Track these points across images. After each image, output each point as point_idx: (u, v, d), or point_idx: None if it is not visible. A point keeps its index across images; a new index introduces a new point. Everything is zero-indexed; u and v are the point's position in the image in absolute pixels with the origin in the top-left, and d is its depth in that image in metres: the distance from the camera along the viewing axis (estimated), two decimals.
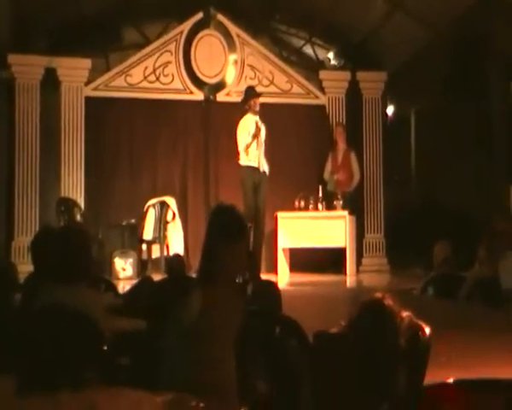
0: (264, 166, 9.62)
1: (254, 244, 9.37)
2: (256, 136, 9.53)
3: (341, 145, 11.48)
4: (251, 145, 9.52)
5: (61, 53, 11.06)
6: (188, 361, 3.12)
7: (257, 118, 9.63)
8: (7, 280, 4.44)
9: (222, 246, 3.14)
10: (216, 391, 3.00)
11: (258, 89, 11.62)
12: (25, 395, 2.34)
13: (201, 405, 1.61)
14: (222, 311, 3.14)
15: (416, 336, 2.21)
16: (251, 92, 9.99)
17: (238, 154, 9.67)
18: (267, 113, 11.41)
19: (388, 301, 2.20)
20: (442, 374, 2.01)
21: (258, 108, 9.71)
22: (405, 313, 2.21)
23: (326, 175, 11.38)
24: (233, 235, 3.16)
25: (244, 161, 9.59)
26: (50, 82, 10.91)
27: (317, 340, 2.43)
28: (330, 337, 2.26)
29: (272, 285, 4.50)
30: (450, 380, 1.81)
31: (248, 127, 9.59)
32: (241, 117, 9.77)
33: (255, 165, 9.56)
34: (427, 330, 2.24)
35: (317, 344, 2.40)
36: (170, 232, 10.88)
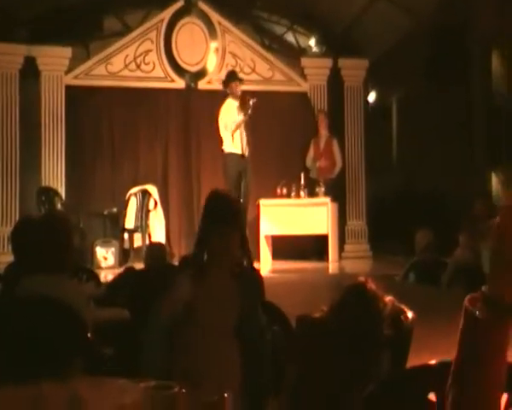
0: (247, 152, 9.64)
1: None
2: (239, 124, 9.60)
3: (323, 132, 11.48)
4: (235, 132, 9.57)
5: (41, 42, 11.01)
6: (174, 349, 3.12)
7: (237, 103, 9.70)
8: None
9: (214, 232, 3.10)
10: (211, 378, 3.00)
11: (240, 76, 11.65)
12: (6, 385, 2.33)
13: (183, 390, 1.62)
14: (215, 298, 3.12)
15: (399, 320, 2.22)
16: (231, 76, 10.07)
17: (221, 140, 9.68)
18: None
19: (371, 285, 2.20)
20: (425, 357, 2.02)
21: (239, 93, 9.76)
22: (388, 298, 2.22)
23: (308, 162, 11.39)
24: (226, 220, 3.12)
25: (228, 147, 9.60)
26: (30, 71, 10.86)
27: (300, 325, 2.43)
28: (312, 322, 2.26)
29: (255, 272, 4.49)
30: (433, 362, 1.82)
31: (230, 112, 9.64)
32: (222, 102, 9.78)
33: (239, 152, 9.56)
34: (410, 314, 2.25)
35: (300, 329, 2.41)
36: (152, 221, 10.86)
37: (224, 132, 9.64)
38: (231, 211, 3.23)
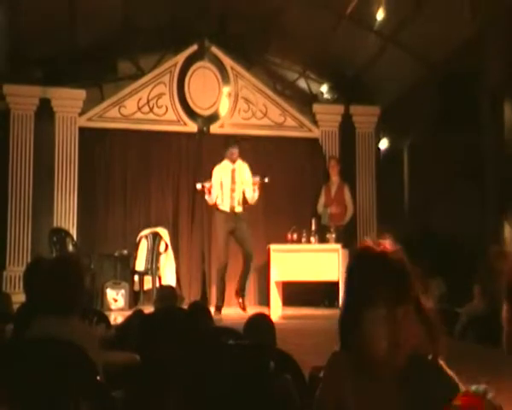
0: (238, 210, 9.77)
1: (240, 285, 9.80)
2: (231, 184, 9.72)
3: (335, 178, 11.48)
4: (223, 193, 9.68)
5: (56, 83, 11.11)
6: None
7: (234, 166, 9.78)
8: None
9: (371, 311, 2.03)
10: None
11: (252, 121, 11.74)
12: None
13: None
14: None
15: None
16: (228, 141, 10.15)
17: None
18: (260, 145, 11.50)
19: None
20: None
21: (235, 157, 9.83)
22: None
23: (320, 208, 11.37)
24: (391, 294, 2.04)
25: (218, 205, 9.75)
26: (45, 112, 10.94)
27: (313, 381, 2.38)
28: None
29: (266, 318, 4.46)
30: None
31: (220, 175, 9.76)
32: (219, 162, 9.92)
33: (227, 210, 9.67)
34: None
35: (313, 386, 2.36)
36: (162, 264, 10.85)
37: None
38: (394, 276, 2.09)
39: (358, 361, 2.07)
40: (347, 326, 2.09)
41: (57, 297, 3.62)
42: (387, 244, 2.14)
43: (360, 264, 2.12)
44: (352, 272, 2.13)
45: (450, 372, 2.06)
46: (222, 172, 9.77)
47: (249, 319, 4.42)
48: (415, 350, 2.06)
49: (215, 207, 9.75)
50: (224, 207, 9.67)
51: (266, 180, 9.94)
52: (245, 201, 9.78)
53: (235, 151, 9.84)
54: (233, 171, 9.75)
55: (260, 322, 4.40)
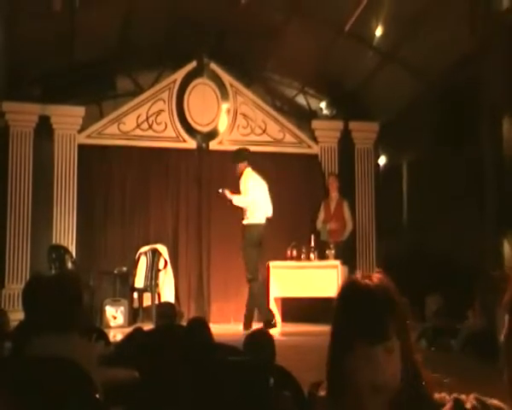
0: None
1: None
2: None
3: (334, 195, 11.49)
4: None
5: (55, 101, 11.14)
6: None
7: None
8: None
9: (350, 352, 1.90)
10: None
11: (251, 138, 11.78)
12: None
13: None
14: None
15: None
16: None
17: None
18: (260, 162, 11.49)
19: None
20: None
21: (237, 174, 10.11)
22: None
23: (319, 225, 11.38)
24: (373, 330, 1.89)
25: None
26: (44, 130, 10.96)
27: (312, 399, 2.37)
28: (326, 399, 2.23)
29: (266, 335, 4.47)
30: None
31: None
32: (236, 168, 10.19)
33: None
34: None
35: (313, 404, 2.35)
36: (161, 280, 10.85)
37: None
38: (378, 311, 1.93)
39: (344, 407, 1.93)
40: (332, 369, 1.96)
41: (57, 314, 3.62)
42: (375, 277, 1.97)
43: (341, 301, 1.98)
44: (335, 309, 2.00)
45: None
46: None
47: (249, 335, 4.43)
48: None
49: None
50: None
51: (220, 191, 10.13)
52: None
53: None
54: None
55: (260, 338, 4.41)
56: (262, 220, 9.93)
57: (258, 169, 11.31)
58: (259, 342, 4.32)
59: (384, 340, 1.88)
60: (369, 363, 1.86)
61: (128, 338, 5.32)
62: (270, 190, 11.17)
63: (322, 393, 2.18)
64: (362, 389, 1.88)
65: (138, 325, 7.76)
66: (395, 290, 2.02)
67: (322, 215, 11.41)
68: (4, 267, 10.56)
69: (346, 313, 1.95)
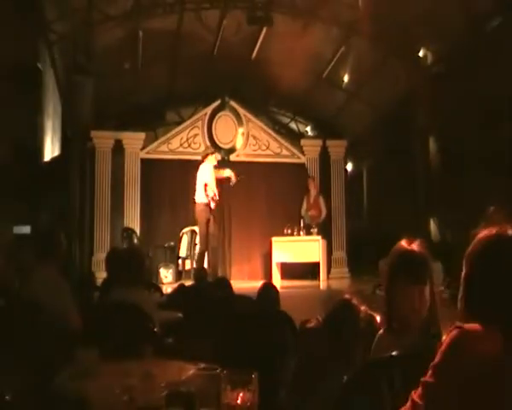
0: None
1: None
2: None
3: (313, 191, 11.41)
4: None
5: (125, 128, 11.16)
6: None
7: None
8: (89, 284, 4.46)
9: (399, 287, 2.06)
10: None
11: (258, 152, 11.74)
12: (105, 361, 2.35)
13: (224, 372, 1.59)
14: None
15: (371, 323, 2.23)
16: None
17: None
18: (265, 170, 11.48)
19: (354, 300, 2.22)
20: None
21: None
22: (363, 307, 2.24)
23: (302, 212, 11.30)
24: (411, 275, 2.04)
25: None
26: (118, 149, 10.94)
27: (302, 331, 2.41)
28: (311, 330, 2.26)
29: (273, 287, 4.46)
30: (394, 353, 1.81)
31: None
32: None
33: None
34: (378, 318, 2.25)
35: (302, 334, 2.39)
36: (197, 251, 10.82)
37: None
38: (415, 264, 2.06)
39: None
40: (388, 302, 2.10)
41: (127, 274, 3.64)
42: (415, 244, 2.09)
43: (394, 258, 2.13)
44: (389, 263, 2.15)
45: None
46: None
47: (260, 288, 4.42)
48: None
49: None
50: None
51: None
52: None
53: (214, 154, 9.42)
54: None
55: (269, 290, 4.39)
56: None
57: (264, 174, 11.32)
58: (268, 292, 4.31)
59: (420, 284, 2.04)
60: (411, 297, 2.02)
61: (175, 291, 5.36)
62: (272, 188, 11.16)
63: (309, 326, 2.22)
64: (406, 312, 2.03)
65: (182, 282, 7.77)
66: (428, 254, 2.10)
67: (304, 205, 11.36)
68: (93, 242, 10.57)
69: (398, 266, 2.08)
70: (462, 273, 1.42)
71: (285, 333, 3.14)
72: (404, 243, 2.12)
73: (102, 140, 10.86)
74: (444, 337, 1.38)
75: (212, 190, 8.85)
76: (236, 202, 11.18)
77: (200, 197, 8.91)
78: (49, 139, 10.29)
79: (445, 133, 10.30)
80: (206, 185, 8.83)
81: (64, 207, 9.79)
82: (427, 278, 2.07)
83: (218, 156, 9.56)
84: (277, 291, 4.34)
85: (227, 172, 9.57)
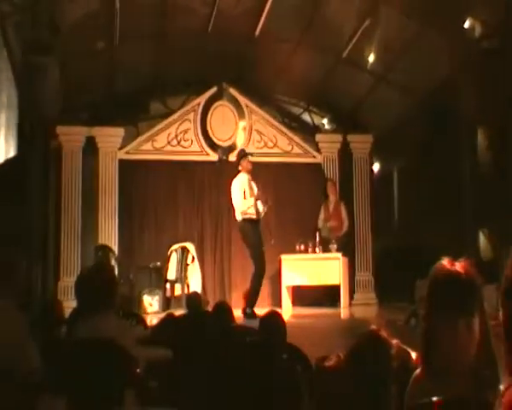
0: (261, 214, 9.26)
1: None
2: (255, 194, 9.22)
3: (332, 197, 11.46)
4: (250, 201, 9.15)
5: (99, 123, 11.18)
6: None
7: (248, 176, 9.34)
8: (55, 316, 4.45)
9: (440, 320, 2.02)
10: None
11: (264, 150, 11.75)
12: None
13: None
14: None
15: (405, 361, 2.21)
16: (242, 153, 9.73)
17: (234, 210, 9.37)
18: (273, 172, 11.49)
19: (383, 333, 2.20)
20: None
21: (250, 168, 9.39)
22: (395, 341, 2.21)
23: (320, 223, 11.34)
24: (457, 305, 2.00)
25: (245, 214, 9.16)
26: (90, 148, 10.99)
27: (319, 371, 2.39)
28: (330, 370, 2.23)
29: (278, 317, 4.46)
30: (434, 398, 1.80)
31: (243, 186, 9.25)
32: (234, 176, 9.49)
33: (254, 217, 9.20)
34: (414, 354, 2.23)
35: (319, 375, 2.36)
36: (189, 273, 10.85)
37: (238, 203, 9.18)
38: (460, 289, 2.01)
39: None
40: (425, 337, 2.07)
41: (94, 297, 3.62)
42: (460, 265, 2.03)
43: (434, 283, 2.08)
44: (429, 289, 2.09)
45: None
46: (243, 183, 9.25)
47: (263, 317, 4.41)
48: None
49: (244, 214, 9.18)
50: (251, 213, 9.14)
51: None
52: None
53: (249, 161, 9.47)
54: (249, 180, 9.32)
55: (273, 320, 4.39)
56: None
57: (271, 177, 11.32)
58: (272, 323, 4.31)
59: (466, 315, 1.96)
60: (455, 330, 1.95)
61: (162, 322, 5.35)
62: (281, 194, 11.16)
63: (327, 364, 2.19)
64: (449, 349, 1.97)
65: (170, 311, 7.77)
66: (478, 276, 2.04)
67: (322, 215, 11.39)
68: (60, 264, 10.60)
69: (439, 292, 2.02)
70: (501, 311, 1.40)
71: (296, 374, 3.12)
72: (446, 262, 2.09)
73: (71, 137, 10.91)
74: (502, 388, 1.35)
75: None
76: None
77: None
78: (2, 137, 10.32)
79: (497, 125, 10.26)
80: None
81: (21, 221, 9.79)
82: (477, 307, 2.03)
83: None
84: (284, 322, 4.33)
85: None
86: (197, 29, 10.74)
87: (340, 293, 10.31)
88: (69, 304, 6.23)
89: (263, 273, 9.17)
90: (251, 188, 9.28)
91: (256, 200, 9.20)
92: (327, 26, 10.65)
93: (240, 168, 9.47)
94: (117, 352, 3.18)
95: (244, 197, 9.17)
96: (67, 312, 4.86)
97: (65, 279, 10.44)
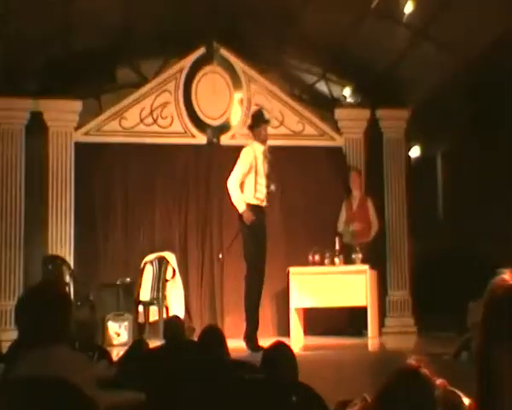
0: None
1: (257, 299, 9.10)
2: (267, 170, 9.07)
3: (356, 192, 11.48)
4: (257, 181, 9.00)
5: (49, 95, 11.15)
6: None
7: (264, 147, 9.13)
8: None
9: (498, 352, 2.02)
10: None
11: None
12: None
13: None
14: None
15: (455, 407, 2.18)
16: (260, 118, 9.40)
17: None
18: (279, 158, 11.44)
19: (424, 370, 2.17)
20: None
21: (267, 138, 9.21)
22: (439, 381, 2.18)
23: (340, 226, 11.36)
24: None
25: (249, 199, 9.00)
26: (36, 127, 11.01)
27: None
28: None
29: (287, 349, 4.45)
30: None
31: (252, 158, 9.04)
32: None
33: (262, 204, 9.05)
34: (467, 400, 2.20)
35: None
36: (169, 292, 10.84)
37: (237, 178, 9.06)
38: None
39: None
40: (481, 367, 2.05)
41: (39, 326, 3.59)
42: None
43: (493, 301, 2.05)
44: (485, 308, 2.07)
45: None
46: (254, 154, 9.03)
47: (267, 350, 4.40)
48: None
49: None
50: (259, 199, 9.00)
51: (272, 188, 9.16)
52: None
53: (267, 128, 9.27)
54: (265, 153, 9.08)
55: (279, 353, 4.38)
56: None
57: (275, 165, 11.27)
58: (278, 357, 4.29)
59: None
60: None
61: (127, 353, 5.31)
62: (289, 188, 11.14)
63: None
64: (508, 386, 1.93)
65: (142, 338, 7.74)
66: None
67: (343, 216, 11.41)
68: None
69: (500, 316, 2.00)
70: None
71: None
72: (507, 275, 2.06)
73: (11, 113, 10.92)
74: None
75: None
76: (232, 212, 11.15)
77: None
78: None
79: None
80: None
81: None
82: None
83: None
84: (293, 355, 4.32)
85: None
86: None
87: (368, 318, 10.30)
88: (8, 336, 6.22)
89: (259, 284, 9.08)
90: (264, 164, 9.05)
91: (268, 181, 8.99)
92: None
93: (254, 135, 9.19)
94: (70, 394, 3.15)
95: (249, 173, 8.94)
96: (5, 345, 4.84)
97: (3, 303, 10.43)
